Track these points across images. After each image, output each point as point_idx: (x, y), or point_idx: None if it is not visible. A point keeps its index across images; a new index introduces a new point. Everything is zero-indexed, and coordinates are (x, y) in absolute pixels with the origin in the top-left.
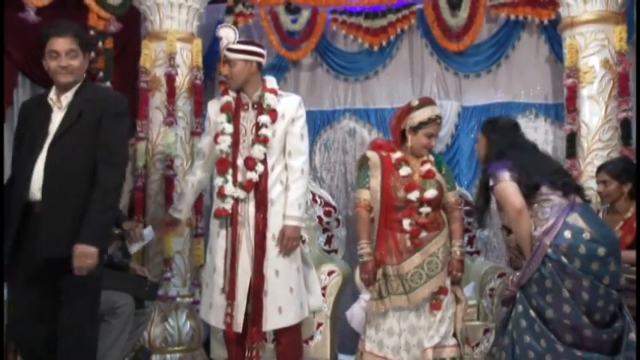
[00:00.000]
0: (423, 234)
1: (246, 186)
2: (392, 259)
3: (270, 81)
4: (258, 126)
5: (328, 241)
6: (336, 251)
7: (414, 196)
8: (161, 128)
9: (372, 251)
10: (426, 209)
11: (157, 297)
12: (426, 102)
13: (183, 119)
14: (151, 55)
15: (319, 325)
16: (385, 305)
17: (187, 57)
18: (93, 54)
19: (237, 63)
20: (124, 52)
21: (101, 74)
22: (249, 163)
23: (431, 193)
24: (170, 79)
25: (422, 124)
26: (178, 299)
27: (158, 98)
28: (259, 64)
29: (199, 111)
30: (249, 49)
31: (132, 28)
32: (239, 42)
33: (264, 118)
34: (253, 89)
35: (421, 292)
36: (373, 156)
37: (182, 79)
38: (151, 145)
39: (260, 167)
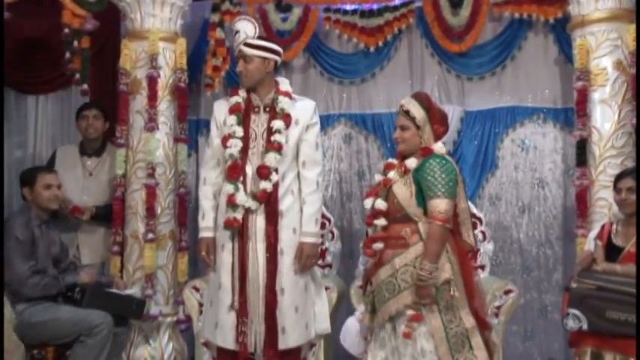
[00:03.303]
0: (379, 245)
1: (260, 196)
2: (371, 273)
3: (284, 83)
4: (270, 131)
5: (322, 255)
6: (330, 266)
7: (367, 204)
8: (142, 134)
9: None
10: (379, 221)
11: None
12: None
13: (166, 124)
14: (132, 55)
15: (312, 345)
16: (378, 319)
17: (170, 58)
18: (68, 54)
19: (254, 59)
20: (101, 52)
21: (77, 76)
22: (264, 172)
23: (377, 204)
24: (152, 81)
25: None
26: (160, 318)
27: (139, 102)
28: (276, 63)
29: (183, 115)
30: (268, 46)
31: (110, 26)
32: (258, 37)
33: (278, 124)
34: (266, 91)
35: (382, 313)
36: (380, 167)
37: (165, 82)
38: (132, 152)
39: (274, 177)
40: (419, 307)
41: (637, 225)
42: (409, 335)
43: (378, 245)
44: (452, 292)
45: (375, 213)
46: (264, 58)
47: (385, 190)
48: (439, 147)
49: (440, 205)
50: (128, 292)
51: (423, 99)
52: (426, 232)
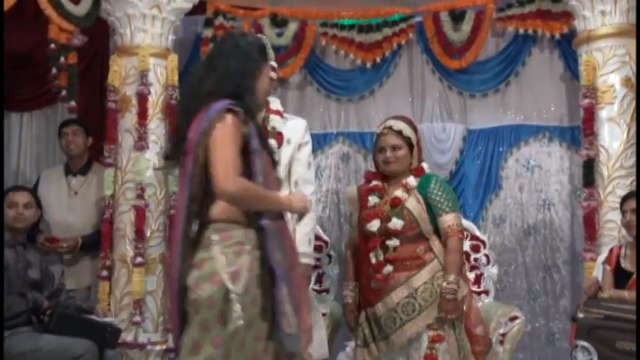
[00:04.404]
0: (389, 268)
1: None
2: (371, 299)
3: (275, 102)
4: None
5: (319, 279)
6: (327, 291)
7: (373, 227)
8: (131, 153)
9: (354, 292)
10: (392, 242)
11: (119, 344)
12: (388, 118)
13: (157, 143)
14: (121, 71)
15: None
16: (372, 353)
17: (161, 74)
18: (54, 70)
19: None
20: (89, 68)
21: (64, 93)
22: None
23: (394, 223)
24: (142, 98)
25: (376, 141)
26: (149, 347)
27: (128, 120)
28: None
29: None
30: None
31: (99, 41)
32: None
33: (270, 142)
34: None
35: (396, 339)
36: (350, 190)
37: (155, 99)
38: (120, 172)
39: None
40: (440, 325)
41: (637, 246)
42: (434, 357)
43: (388, 269)
44: (464, 307)
45: (390, 233)
46: (271, 78)
47: (399, 209)
48: (427, 167)
49: (454, 219)
50: (106, 319)
51: (409, 121)
52: (439, 248)
